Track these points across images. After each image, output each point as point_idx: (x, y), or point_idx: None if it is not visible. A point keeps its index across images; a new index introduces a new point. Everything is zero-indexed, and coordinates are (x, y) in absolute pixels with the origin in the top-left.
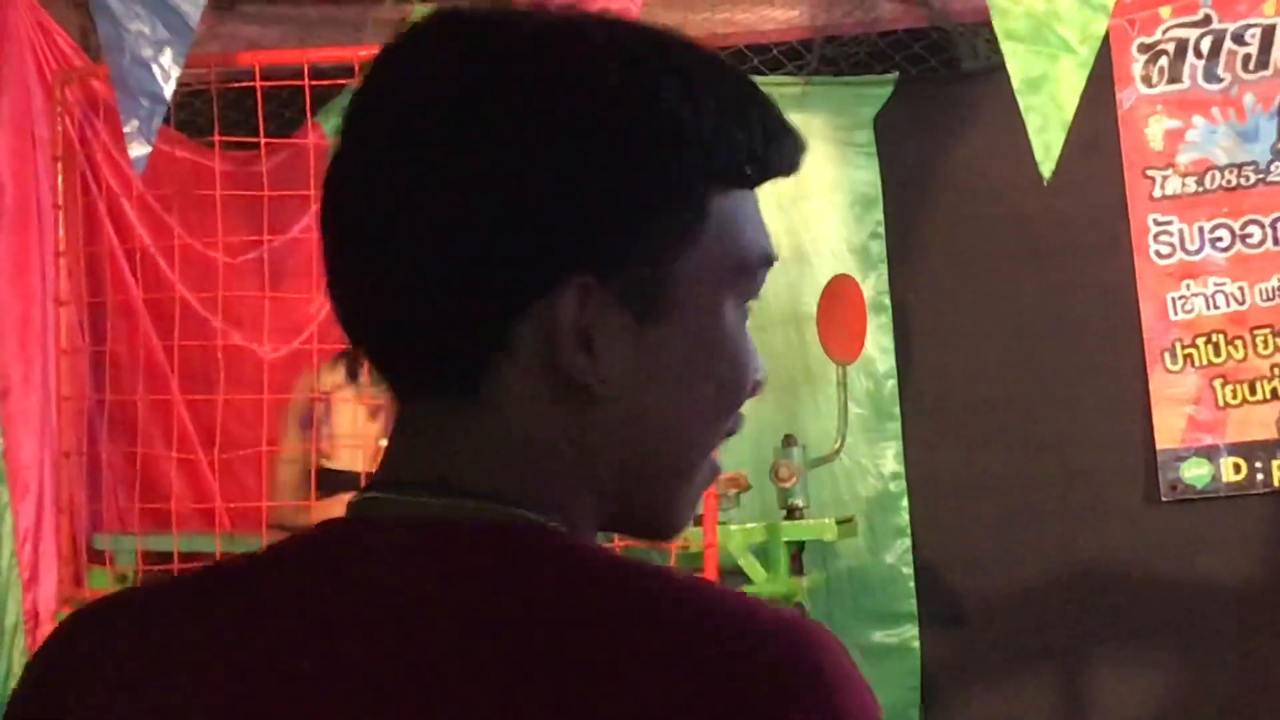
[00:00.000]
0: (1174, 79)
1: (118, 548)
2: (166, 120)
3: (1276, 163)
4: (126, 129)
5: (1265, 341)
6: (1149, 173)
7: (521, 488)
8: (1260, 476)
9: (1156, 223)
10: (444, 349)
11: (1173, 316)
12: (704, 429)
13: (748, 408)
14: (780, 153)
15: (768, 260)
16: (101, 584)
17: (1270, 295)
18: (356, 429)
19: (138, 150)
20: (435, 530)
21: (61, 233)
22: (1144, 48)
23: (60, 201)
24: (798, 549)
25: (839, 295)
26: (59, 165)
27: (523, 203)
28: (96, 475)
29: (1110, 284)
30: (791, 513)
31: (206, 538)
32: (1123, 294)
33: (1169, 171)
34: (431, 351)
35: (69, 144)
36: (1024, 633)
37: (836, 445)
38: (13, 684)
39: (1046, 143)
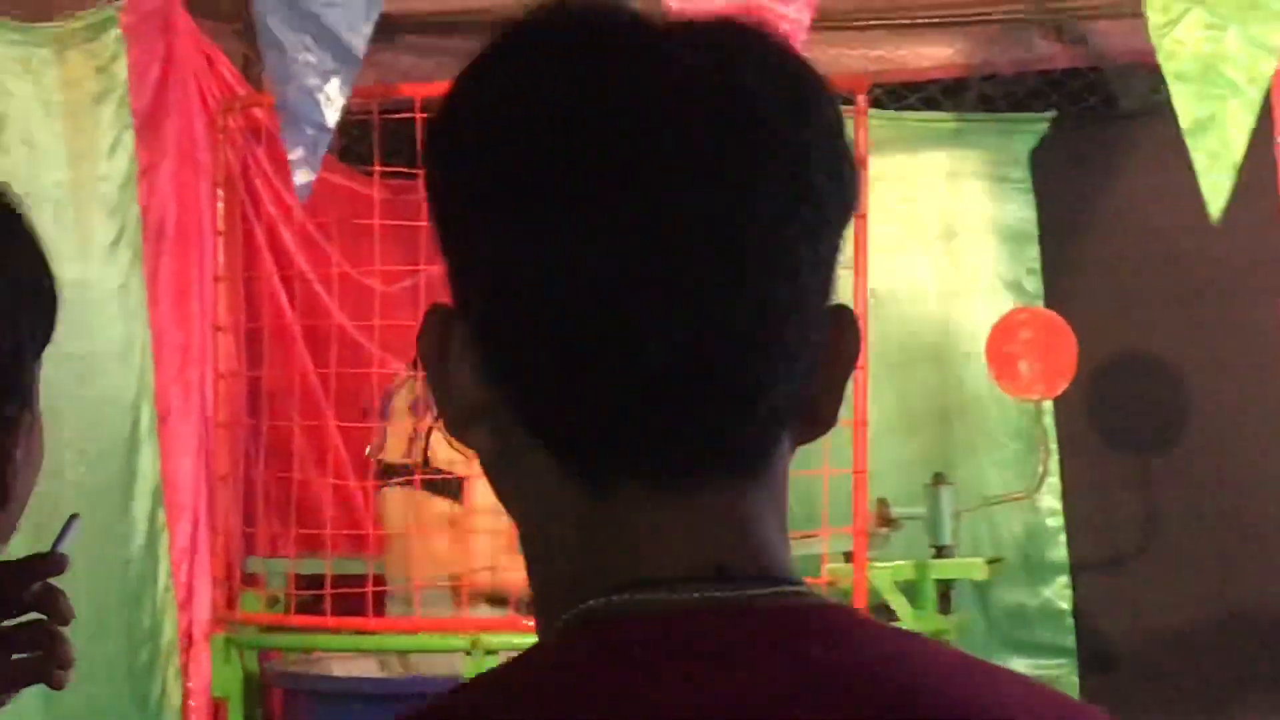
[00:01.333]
0: None
1: (270, 570)
2: (329, 149)
3: None
4: (291, 157)
5: None
6: None
7: (788, 561)
8: None
9: None
10: (774, 407)
11: None
12: None
13: (897, 446)
14: None
15: None
16: (253, 607)
17: None
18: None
19: (302, 178)
20: (795, 621)
21: (221, 259)
22: None
23: (221, 228)
24: (947, 587)
25: (1033, 329)
26: (220, 192)
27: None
28: (251, 499)
29: (1265, 326)
30: (940, 551)
31: (357, 562)
32: (1273, 337)
33: None
34: (758, 410)
35: (230, 171)
36: (1179, 675)
37: (1029, 486)
38: (167, 701)
39: (1214, 184)
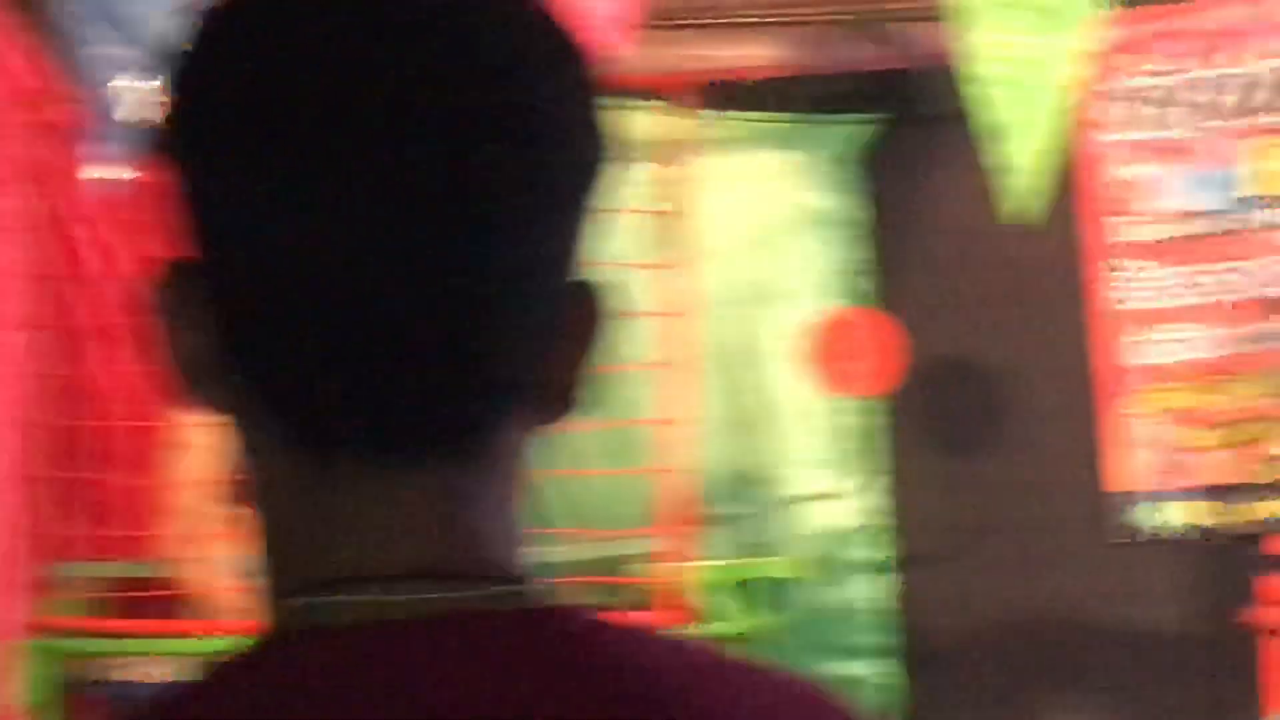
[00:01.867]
0: (1141, 125)
1: (80, 574)
2: (129, 143)
3: (1239, 212)
4: (91, 151)
5: (1225, 389)
6: (1109, 219)
7: (513, 556)
8: (1215, 522)
9: (1120, 268)
10: (494, 380)
11: (1132, 361)
12: None
13: (719, 445)
14: None
15: None
16: (64, 612)
17: (1233, 342)
18: None
19: (101, 172)
20: (480, 628)
21: (25, 255)
22: (1115, 95)
23: (24, 224)
24: (762, 585)
25: (856, 329)
26: (23, 187)
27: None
28: (63, 502)
29: (1067, 327)
30: (759, 550)
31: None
32: (1085, 338)
33: (1128, 218)
34: (474, 381)
35: (34, 166)
36: (997, 674)
37: (852, 485)
38: None
39: (1021, 188)
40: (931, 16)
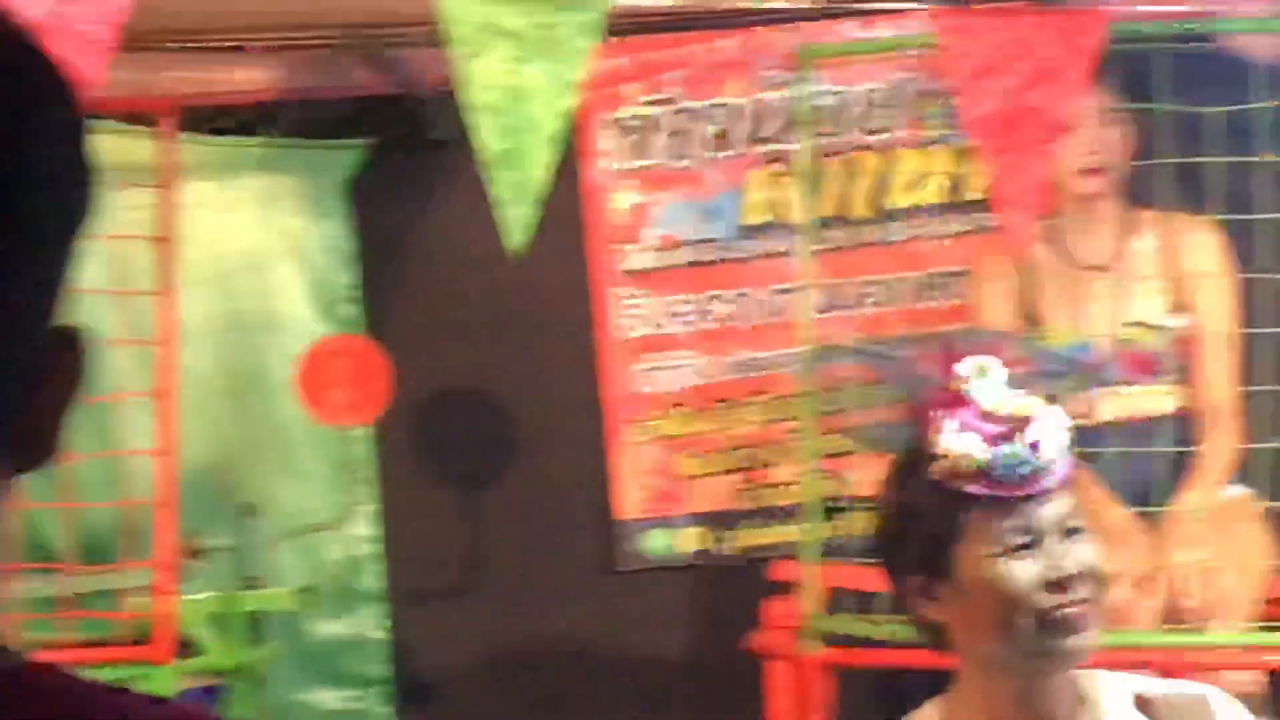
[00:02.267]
0: (642, 155)
1: None
2: None
3: (739, 240)
4: None
5: (727, 414)
6: (615, 247)
7: None
8: (719, 547)
9: (623, 296)
10: None
11: (638, 389)
12: None
13: (207, 476)
14: None
15: None
16: None
17: (732, 369)
18: None
19: None
20: None
21: None
22: (612, 124)
23: None
24: (257, 618)
25: (341, 357)
26: None
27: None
28: None
29: (577, 355)
30: (250, 582)
31: None
32: (589, 365)
33: (635, 246)
34: None
35: None
36: (493, 706)
37: (339, 515)
38: None
39: (515, 216)
40: (429, 42)
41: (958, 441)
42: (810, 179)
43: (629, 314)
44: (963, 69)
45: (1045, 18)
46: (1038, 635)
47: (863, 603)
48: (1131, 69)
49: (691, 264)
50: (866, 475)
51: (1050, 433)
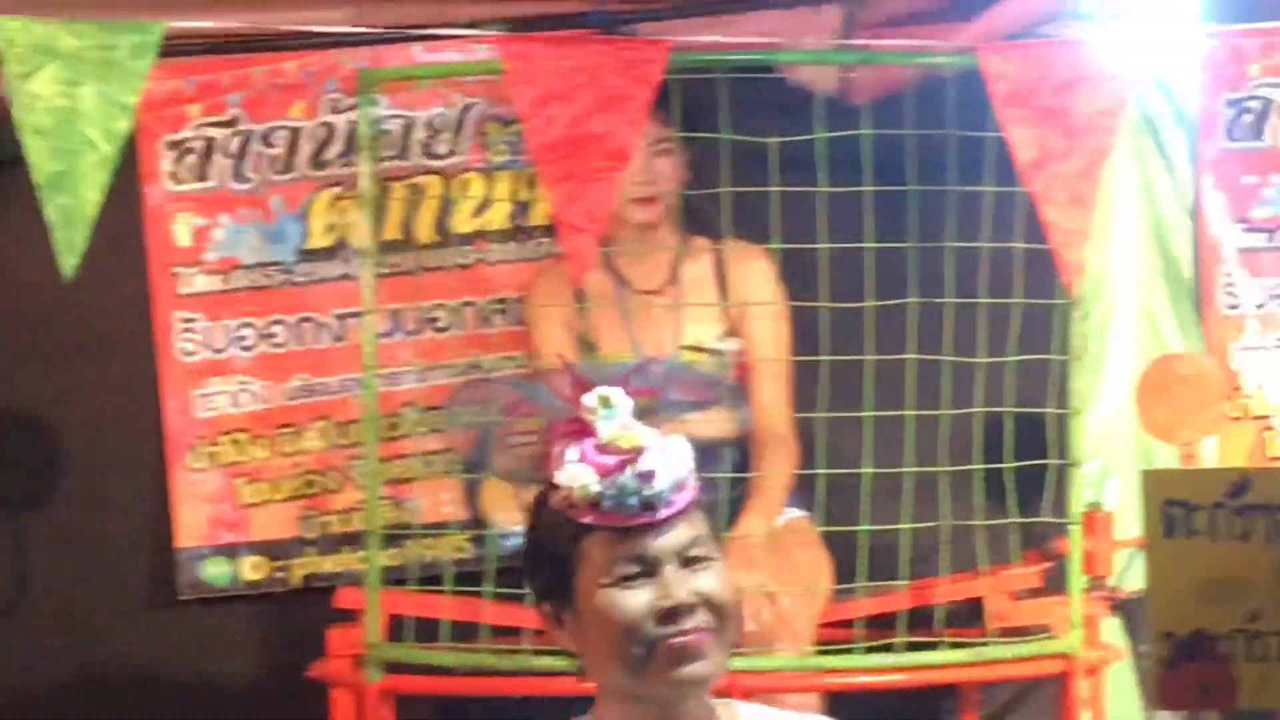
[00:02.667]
0: (202, 177)
1: None
2: None
3: (302, 264)
4: None
5: (288, 441)
6: (176, 270)
7: None
8: (281, 575)
9: (182, 319)
10: None
11: (197, 414)
12: None
13: None
14: None
15: None
16: None
17: (293, 395)
18: None
19: None
20: None
21: None
22: (172, 145)
23: None
24: None
25: None
26: None
27: None
28: None
29: (135, 380)
30: None
31: None
32: (147, 390)
33: (196, 269)
34: None
35: None
36: None
37: None
38: None
39: (66, 239)
40: None
41: (573, 472)
42: (373, 203)
43: (189, 338)
44: (527, 95)
45: (609, 46)
46: (650, 664)
47: (425, 630)
48: (696, 98)
49: (253, 288)
50: (429, 502)
51: (665, 463)
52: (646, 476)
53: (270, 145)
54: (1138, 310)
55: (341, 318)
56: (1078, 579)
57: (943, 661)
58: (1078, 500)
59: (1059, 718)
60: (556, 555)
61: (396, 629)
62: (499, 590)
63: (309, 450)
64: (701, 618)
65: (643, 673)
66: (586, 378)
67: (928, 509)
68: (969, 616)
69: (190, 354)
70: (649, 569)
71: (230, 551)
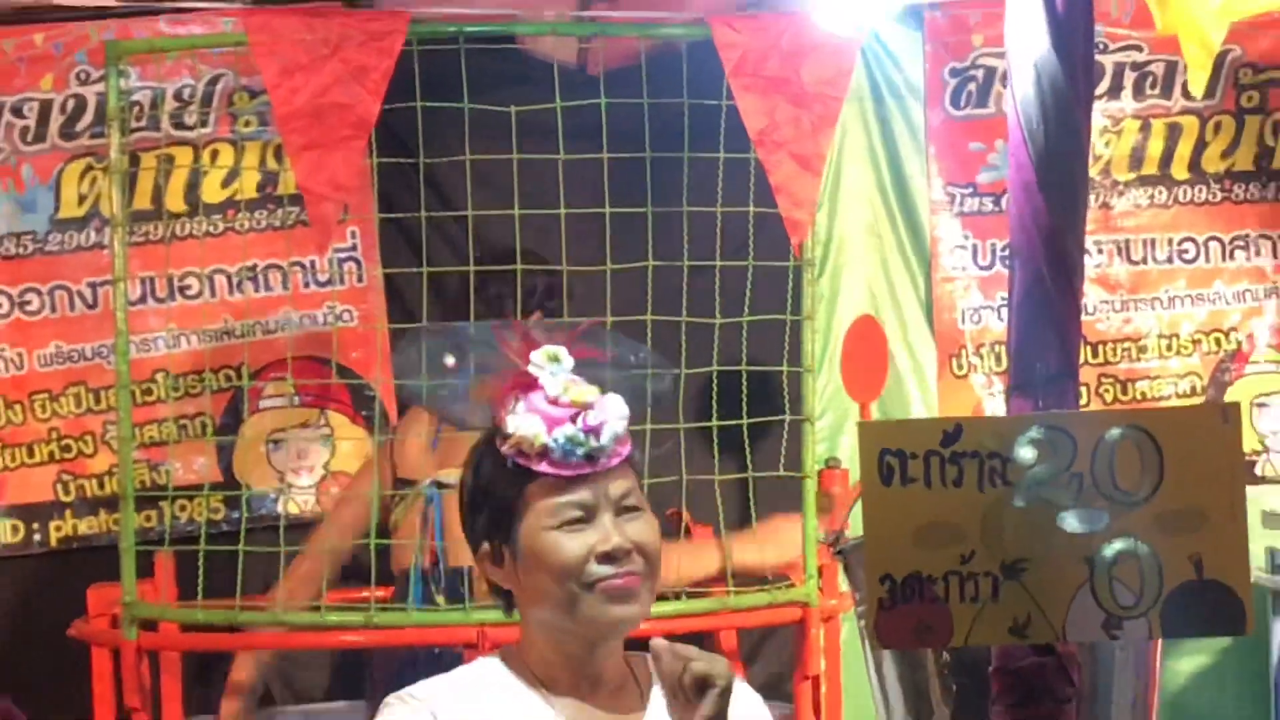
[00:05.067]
0: None
1: None
2: None
3: (54, 233)
4: None
5: (43, 406)
6: None
7: None
8: (38, 537)
9: None
10: None
11: None
12: None
13: None
14: None
15: None
16: None
17: (48, 361)
18: None
19: None
20: None
21: None
22: None
23: None
24: None
25: None
26: None
27: None
28: None
29: None
30: None
31: None
32: None
33: None
34: None
35: None
36: None
37: None
38: None
39: None
40: None
41: (524, 423)
42: (123, 174)
43: None
44: (272, 67)
45: (351, 18)
46: (586, 603)
47: (183, 589)
48: (439, 69)
49: (5, 257)
50: (183, 465)
51: (609, 419)
52: (594, 430)
53: (20, 116)
54: (867, 269)
55: (94, 286)
56: (813, 531)
57: (686, 611)
58: (811, 455)
59: (798, 661)
60: (500, 498)
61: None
62: (250, 549)
63: (64, 415)
64: (636, 563)
65: (576, 611)
66: (535, 335)
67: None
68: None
69: None
70: (588, 515)
71: None
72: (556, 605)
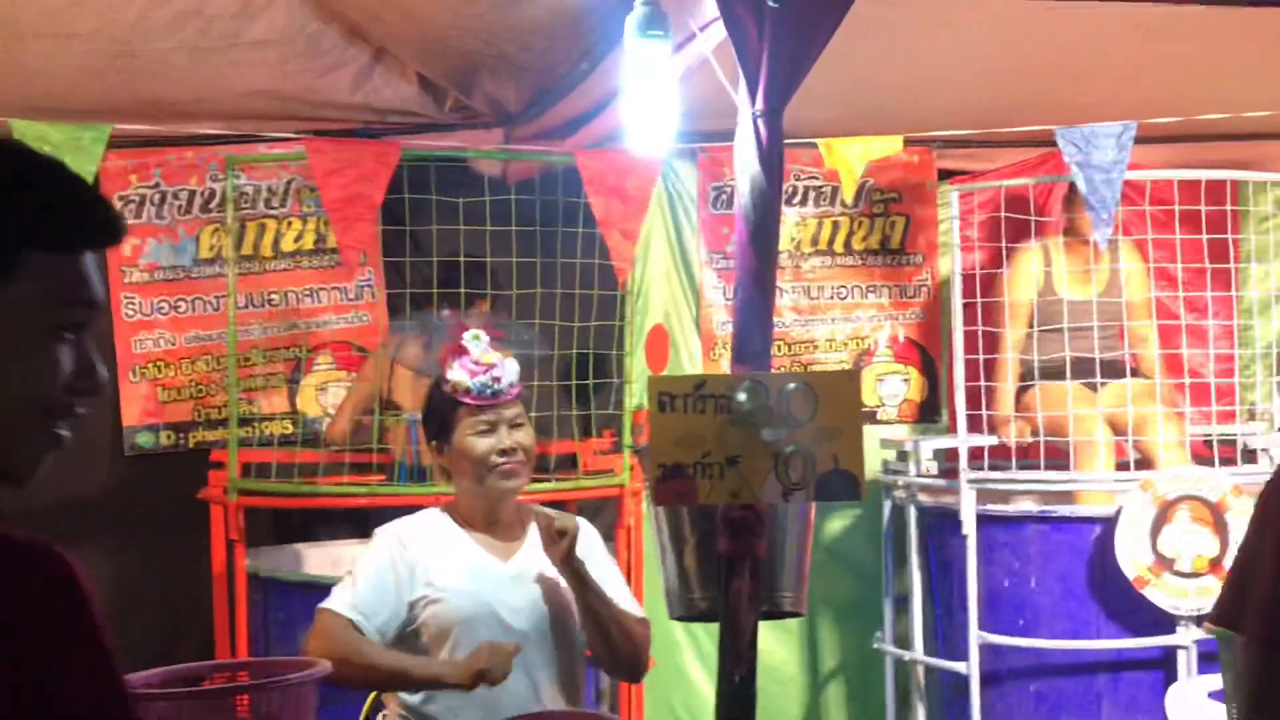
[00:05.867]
0: (139, 216)
1: None
2: None
3: (195, 267)
4: None
5: (186, 366)
6: (123, 269)
7: None
8: (183, 442)
9: (126, 297)
10: None
11: (135, 350)
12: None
13: None
14: (86, 226)
15: (84, 303)
16: None
17: (189, 340)
18: None
19: None
20: None
21: None
22: (120, 197)
23: None
24: None
25: None
26: None
27: None
28: None
29: (99, 332)
30: None
31: None
32: (105, 338)
33: (135, 269)
34: None
35: None
36: None
37: None
38: None
39: None
40: None
41: (456, 374)
42: (235, 233)
43: (130, 308)
44: (321, 172)
45: (368, 145)
46: (489, 479)
47: (263, 470)
48: (417, 178)
49: (166, 280)
50: (265, 402)
51: (507, 372)
52: (496, 379)
53: (178, 199)
54: (665, 298)
55: (218, 298)
56: (627, 443)
57: (554, 488)
58: (629, 401)
59: (619, 521)
60: (443, 417)
61: (246, 470)
62: (305, 449)
63: (198, 372)
64: (519, 456)
65: (484, 483)
66: (468, 322)
67: (548, 407)
68: (570, 465)
69: (130, 316)
70: (492, 428)
71: (153, 428)
72: (473, 479)
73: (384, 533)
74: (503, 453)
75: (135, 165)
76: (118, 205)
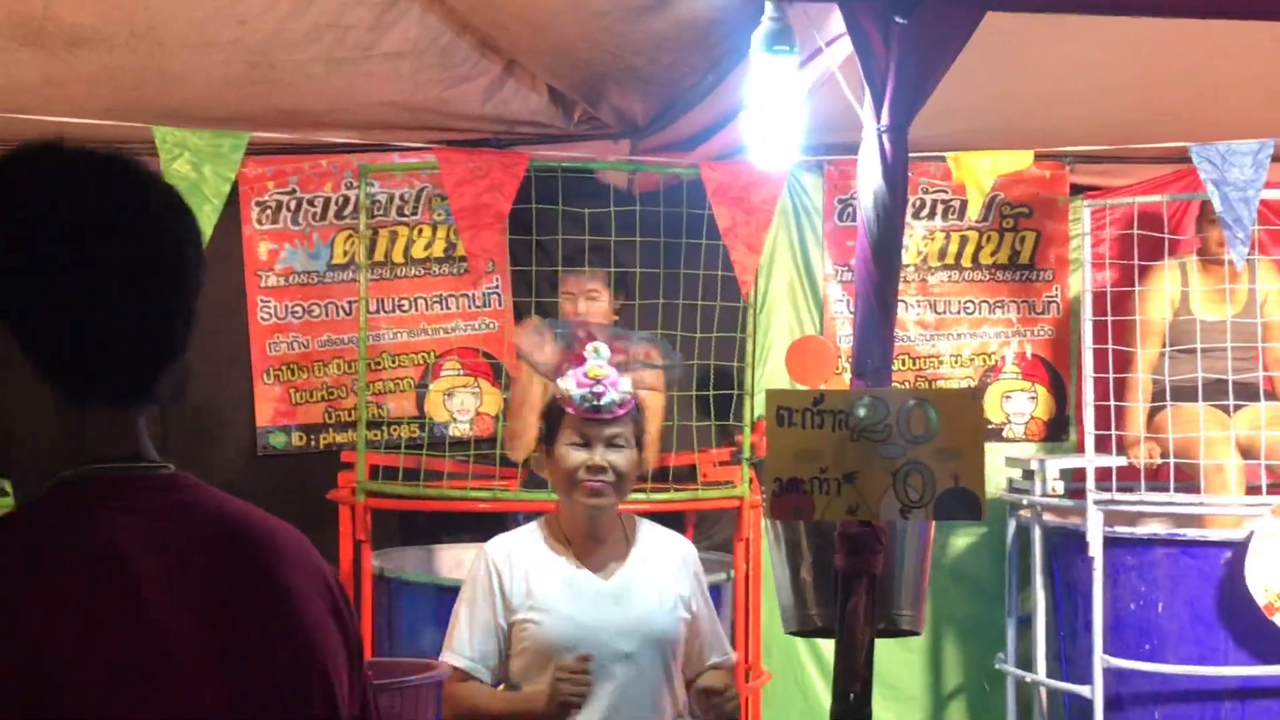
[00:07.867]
0: (275, 221)
1: None
2: None
3: (329, 272)
4: None
5: (319, 369)
6: (259, 272)
7: (153, 452)
8: (313, 444)
9: (261, 301)
10: (155, 363)
11: (269, 353)
12: None
13: None
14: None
15: None
16: None
17: (323, 345)
18: None
19: None
20: (168, 484)
21: None
22: (258, 203)
23: None
24: None
25: None
26: None
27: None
28: None
29: (236, 334)
30: None
31: None
32: (240, 343)
33: (270, 273)
34: (146, 362)
35: None
36: None
37: None
38: None
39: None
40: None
41: (567, 381)
42: (368, 240)
43: (265, 311)
44: (452, 181)
45: (496, 154)
46: (575, 493)
47: (390, 472)
48: (545, 186)
49: (300, 284)
50: (395, 406)
51: (616, 388)
52: (599, 395)
53: (313, 206)
54: (788, 312)
55: (350, 303)
56: (747, 455)
57: (675, 499)
58: (750, 414)
59: (738, 533)
60: (551, 424)
61: (374, 472)
62: (431, 453)
63: (330, 375)
64: (608, 476)
65: (570, 495)
66: (594, 332)
67: (668, 417)
68: (690, 476)
69: (266, 320)
70: (589, 442)
71: (285, 429)
72: (564, 490)
73: (481, 557)
74: (591, 469)
75: (273, 172)
76: (255, 210)
